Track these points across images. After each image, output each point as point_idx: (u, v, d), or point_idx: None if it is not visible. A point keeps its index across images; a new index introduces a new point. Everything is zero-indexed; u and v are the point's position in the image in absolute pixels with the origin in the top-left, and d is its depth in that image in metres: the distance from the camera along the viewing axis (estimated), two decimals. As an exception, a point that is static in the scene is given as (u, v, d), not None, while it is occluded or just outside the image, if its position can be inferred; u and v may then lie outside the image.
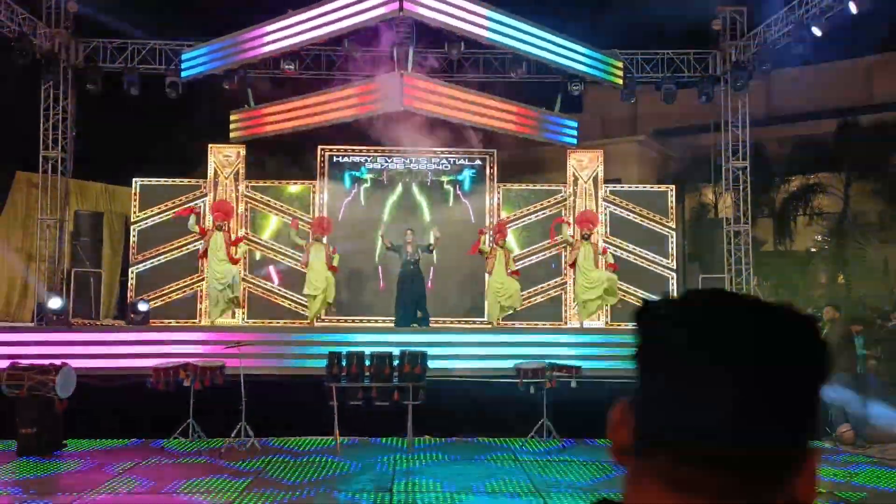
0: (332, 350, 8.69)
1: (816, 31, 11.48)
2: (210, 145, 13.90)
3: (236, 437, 8.46)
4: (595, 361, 9.78)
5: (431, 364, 8.93)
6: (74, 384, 8.42)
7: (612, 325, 13.80)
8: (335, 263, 11.86)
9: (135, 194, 13.93)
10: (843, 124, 18.15)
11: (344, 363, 8.51)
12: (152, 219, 13.87)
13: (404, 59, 11.37)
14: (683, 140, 17.50)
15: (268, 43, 11.96)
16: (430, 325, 11.23)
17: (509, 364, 9.50)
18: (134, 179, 13.88)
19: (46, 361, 8.52)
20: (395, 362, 8.54)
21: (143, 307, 10.88)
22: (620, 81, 13.29)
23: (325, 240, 11.93)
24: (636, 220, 14.09)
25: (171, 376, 8.24)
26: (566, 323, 13.91)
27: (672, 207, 14.22)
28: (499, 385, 9.22)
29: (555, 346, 10.12)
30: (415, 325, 11.24)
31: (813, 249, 19.58)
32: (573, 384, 8.55)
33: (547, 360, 8.96)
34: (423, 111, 11.11)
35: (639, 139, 17.81)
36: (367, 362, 8.52)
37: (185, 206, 12.68)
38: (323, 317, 12.70)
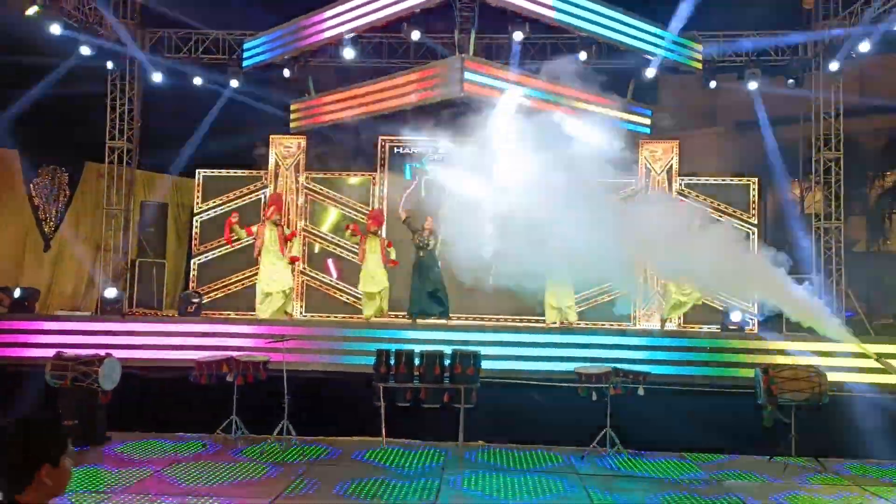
0: (381, 347, 8.06)
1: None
2: (271, 136, 13.55)
3: (279, 434, 7.96)
4: (663, 367, 8.83)
5: (485, 365, 8.19)
6: (119, 376, 8.09)
7: (683, 327, 12.74)
8: (392, 257, 11.26)
9: (198, 185, 13.73)
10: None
11: (392, 362, 7.88)
12: (215, 209, 13.65)
13: (466, 43, 10.64)
14: (764, 133, 16.10)
15: (327, 28, 11.46)
16: (485, 321, 10.44)
17: (570, 367, 8.67)
18: (197, 170, 13.68)
19: (94, 352, 8.22)
20: (447, 362, 7.85)
21: (194, 299, 10.52)
22: (699, 65, 12.19)
23: (382, 232, 11.35)
24: (714, 216, 12.95)
25: (214, 370, 7.78)
26: (633, 325, 12.93)
27: (754, 202, 13.02)
28: (558, 389, 8.41)
29: (620, 348, 9.20)
30: (433, 317, 10.56)
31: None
32: (640, 391, 7.64)
33: (611, 364, 8.08)
34: (484, 97, 10.34)
35: (718, 130, 16.52)
36: (417, 361, 7.86)
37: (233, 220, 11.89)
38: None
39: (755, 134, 15.24)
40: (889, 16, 10.99)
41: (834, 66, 11.80)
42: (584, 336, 9.34)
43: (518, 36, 10.76)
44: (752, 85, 12.38)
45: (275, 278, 10.74)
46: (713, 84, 12.63)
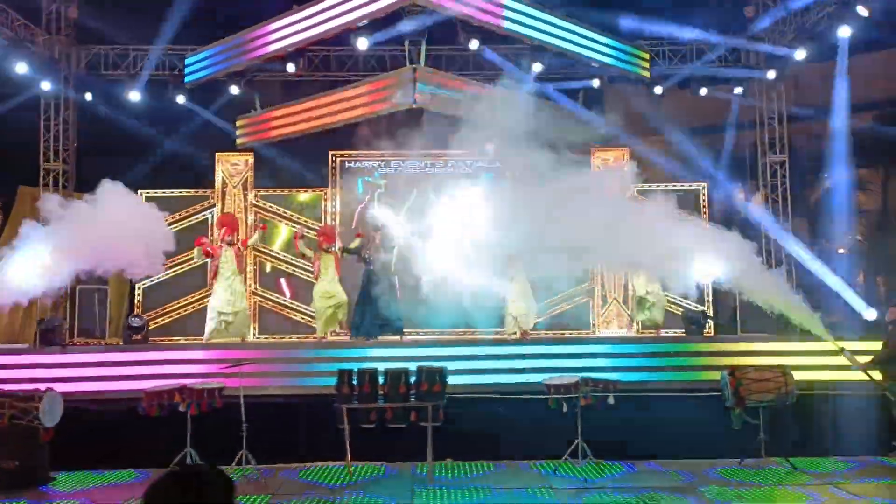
0: (343, 367, 7.70)
1: (863, 12, 10.38)
2: (217, 154, 13.09)
3: (238, 465, 7.51)
4: (630, 373, 8.71)
5: (451, 380, 7.90)
6: (61, 411, 7.51)
7: (643, 332, 12.73)
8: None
9: (140, 207, 13.11)
10: (879, 116, 16.91)
11: (355, 381, 7.52)
12: (159, 232, 13.04)
13: (416, 54, 10.44)
14: (711, 138, 16.38)
15: (273, 41, 11.12)
16: (446, 336, 10.16)
17: (536, 378, 8.47)
18: (139, 191, 13.06)
19: (33, 386, 7.63)
20: (412, 379, 7.54)
21: (136, 323, 9.95)
22: (647, 74, 12.27)
23: (335, 248, 11.00)
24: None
25: (165, 400, 7.28)
26: (594, 332, 12.87)
27: (704, 206, 13.14)
28: (526, 402, 8.19)
29: (587, 357, 9.06)
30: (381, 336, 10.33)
31: (841, 251, 18.29)
32: (610, 400, 7.47)
33: (580, 374, 7.90)
34: (437, 108, 10.15)
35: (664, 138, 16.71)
36: (381, 380, 7.52)
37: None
38: (337, 331, 11.78)
39: (702, 140, 15.52)
40: (821, 26, 11.25)
41: (772, 73, 12.02)
42: (547, 346, 9.18)
43: (474, 45, 10.61)
44: (703, 91, 12.53)
45: (232, 301, 10.31)
46: (658, 89, 12.71)
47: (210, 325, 10.47)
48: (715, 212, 14.19)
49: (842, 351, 7.74)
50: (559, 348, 9.49)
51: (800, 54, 11.38)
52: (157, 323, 12.85)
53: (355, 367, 7.87)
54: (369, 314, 10.51)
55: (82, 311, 12.61)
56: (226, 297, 10.37)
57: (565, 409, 7.35)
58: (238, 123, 12.49)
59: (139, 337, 9.89)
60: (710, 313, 11.44)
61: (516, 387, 8.51)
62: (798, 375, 7.71)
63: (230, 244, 10.75)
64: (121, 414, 8.00)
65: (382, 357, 8.57)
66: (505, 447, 8.15)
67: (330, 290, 10.74)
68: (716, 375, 8.46)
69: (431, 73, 10.13)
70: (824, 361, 8.40)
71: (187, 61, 12.14)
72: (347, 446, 7.57)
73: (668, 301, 12.70)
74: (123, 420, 7.92)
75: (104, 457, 8.03)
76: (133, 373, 8.46)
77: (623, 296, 12.97)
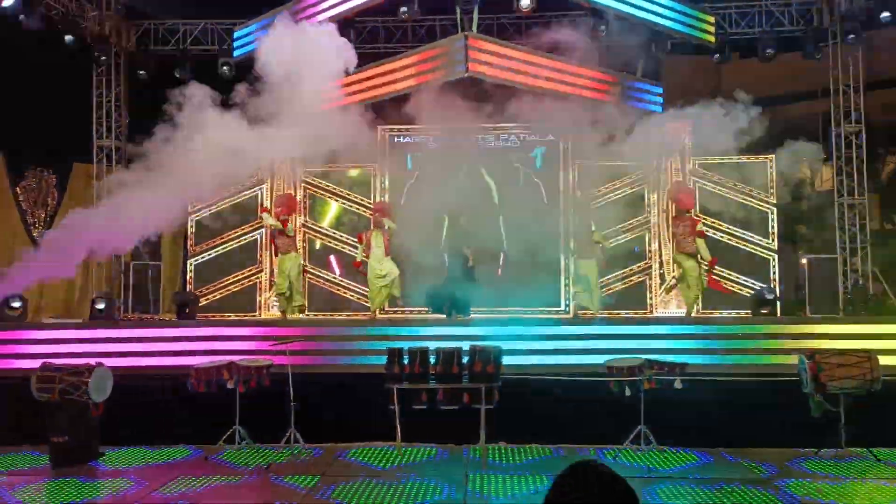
0: (393, 346, 7.35)
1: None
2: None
3: (286, 443, 7.27)
4: (694, 356, 8.13)
5: (506, 360, 7.48)
6: (111, 386, 7.37)
7: (704, 313, 12.07)
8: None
9: (190, 183, 12.99)
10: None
11: (406, 361, 7.16)
12: (208, 208, 12.91)
13: (468, 21, 9.91)
14: (779, 110, 15.42)
15: (320, 11, 10.71)
16: (503, 315, 9.73)
17: (596, 360, 7.99)
18: (189, 168, 12.94)
19: (83, 361, 7.50)
20: (465, 360, 7.14)
21: (189, 300, 9.78)
22: (712, 38, 11.49)
23: (387, 226, 10.65)
24: (730, 196, 12.28)
25: (214, 377, 7.07)
26: (651, 312, 12.27)
27: (772, 181, 12.33)
28: (586, 385, 7.72)
29: (648, 338, 8.50)
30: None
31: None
32: (677, 384, 6.94)
33: (644, 356, 7.39)
34: (490, 77, 9.63)
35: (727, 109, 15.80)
36: (433, 360, 7.15)
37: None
38: (386, 309, 11.49)
39: (767, 111, 14.61)
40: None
41: (852, 36, 11.12)
42: (610, 327, 8.64)
43: (525, 2, 10.01)
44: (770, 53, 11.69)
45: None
46: (717, 57, 11.90)
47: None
48: (782, 186, 13.38)
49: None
50: (618, 329, 8.94)
51: (883, 15, 10.45)
52: (208, 299, 12.75)
53: (406, 345, 7.52)
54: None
55: (136, 287, 12.63)
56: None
57: (628, 392, 6.85)
58: (286, 98, 12.17)
59: (187, 312, 9.69)
60: (778, 293, 10.72)
61: (574, 368, 8.04)
62: (883, 360, 7.03)
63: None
64: (170, 390, 7.83)
65: (435, 336, 8.19)
66: (562, 431, 7.72)
67: (379, 267, 10.45)
68: (790, 359, 7.87)
69: (485, 40, 9.59)
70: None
71: (236, 34, 11.86)
72: (398, 427, 7.24)
73: (723, 278, 12.01)
74: (173, 396, 7.75)
75: (154, 433, 7.89)
76: (183, 348, 8.27)
77: (680, 274, 12.29)
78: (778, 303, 10.72)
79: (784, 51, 11.83)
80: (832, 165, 12.32)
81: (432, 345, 7.53)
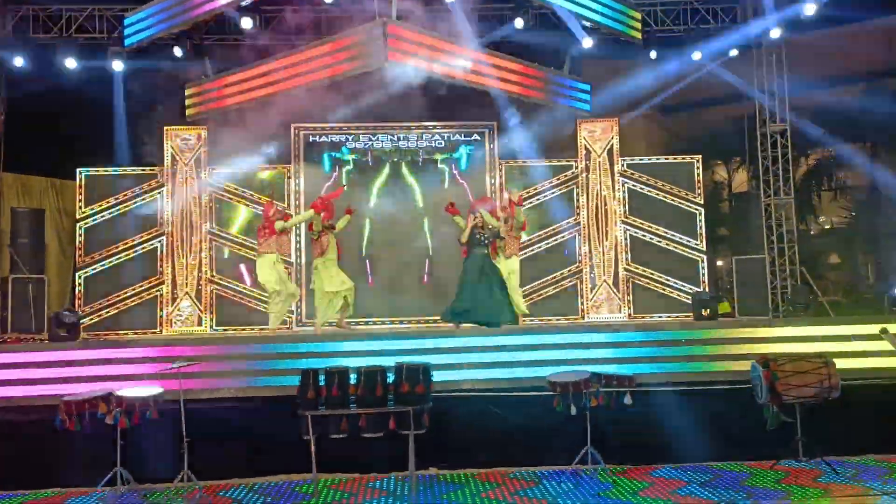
0: (307, 366, 6.27)
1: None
2: (166, 128, 11.48)
3: (181, 482, 6.07)
4: (635, 366, 7.41)
5: (437, 376, 6.53)
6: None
7: (636, 317, 11.54)
8: None
9: (80, 187, 11.49)
10: (867, 90, 15.86)
11: (322, 383, 6.11)
12: (101, 214, 11.44)
13: (387, 8, 8.95)
14: (697, 112, 15.18)
15: (220, -2, 9.51)
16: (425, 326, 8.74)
17: (533, 372, 7.17)
18: (78, 170, 11.43)
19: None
20: (390, 379, 6.15)
21: (68, 318, 8.36)
22: (639, 35, 10.98)
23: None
24: (659, 197, 11.81)
25: (87, 410, 5.78)
26: (583, 318, 11.64)
27: (699, 181, 11.95)
28: (525, 400, 6.89)
29: (584, 347, 7.72)
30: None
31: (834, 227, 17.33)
32: (627, 399, 6.16)
33: (586, 366, 6.60)
34: (414, 69, 8.72)
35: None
36: (353, 380, 6.13)
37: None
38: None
39: (690, 113, 14.34)
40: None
41: (776, 32, 10.82)
42: (549, 336, 7.84)
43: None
44: (697, 55, 11.27)
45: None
46: (654, 55, 11.42)
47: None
48: (706, 187, 13.09)
49: (883, 332, 6.58)
50: (552, 337, 8.10)
51: (809, 9, 10.14)
52: (101, 316, 11.28)
53: (323, 363, 6.48)
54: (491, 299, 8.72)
55: (15, 304, 10.97)
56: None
57: (573, 411, 6.02)
58: (187, 92, 10.87)
59: (66, 333, 8.26)
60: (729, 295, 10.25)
61: (512, 382, 7.19)
62: (838, 364, 6.48)
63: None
64: (39, 425, 6.47)
65: (354, 351, 7.15)
66: (501, 452, 6.84)
67: (339, 274, 9.11)
68: (733, 366, 7.29)
69: (405, 28, 8.67)
70: (861, 347, 7.20)
71: (126, 21, 10.49)
72: (314, 459, 6.17)
73: (661, 283, 11.55)
74: (43, 433, 6.40)
75: (19, 475, 6.53)
76: (56, 375, 6.89)
77: (613, 278, 11.74)
78: (727, 305, 10.23)
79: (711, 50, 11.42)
80: (756, 166, 12.01)
81: (353, 362, 6.51)
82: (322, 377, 6.15)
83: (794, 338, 7.43)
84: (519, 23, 10.23)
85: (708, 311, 8.44)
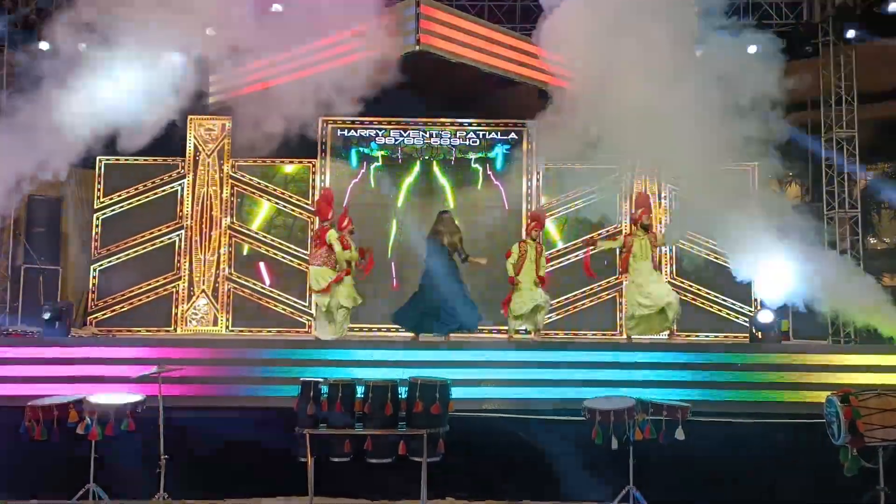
0: (307, 378, 5.38)
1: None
2: (189, 116, 10.79)
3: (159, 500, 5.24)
4: (680, 390, 6.38)
5: (455, 392, 5.58)
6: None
7: (679, 334, 10.43)
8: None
9: (99, 176, 10.87)
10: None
11: (325, 397, 5.22)
12: (119, 205, 10.81)
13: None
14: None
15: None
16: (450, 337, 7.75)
17: (568, 394, 6.20)
18: (98, 158, 10.81)
19: None
20: (402, 396, 5.24)
21: (56, 312, 7.62)
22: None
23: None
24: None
25: (55, 417, 4.98)
26: (622, 334, 10.57)
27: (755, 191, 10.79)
28: (555, 425, 5.92)
29: (630, 367, 6.71)
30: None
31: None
32: (679, 434, 5.12)
33: (632, 393, 5.58)
34: (444, 53, 7.84)
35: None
36: (359, 396, 5.23)
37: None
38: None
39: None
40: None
41: (851, 32, 9.66)
42: (585, 353, 6.83)
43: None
44: (751, 49, 10.15)
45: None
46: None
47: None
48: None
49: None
50: (588, 355, 7.08)
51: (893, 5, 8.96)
52: (114, 311, 10.62)
53: (326, 374, 5.60)
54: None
55: (28, 294, 10.39)
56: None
57: (615, 445, 5.01)
58: (211, 79, 10.21)
59: (57, 326, 7.51)
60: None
61: (539, 403, 6.23)
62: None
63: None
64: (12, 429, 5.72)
65: (364, 361, 6.25)
66: (526, 485, 5.87)
67: (354, 287, 8.17)
68: (798, 396, 6.22)
69: (439, 7, 7.81)
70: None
71: None
72: (310, 484, 5.28)
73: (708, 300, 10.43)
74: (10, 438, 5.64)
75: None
76: (36, 373, 6.13)
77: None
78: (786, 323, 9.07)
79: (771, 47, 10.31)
80: (817, 177, 10.81)
81: (361, 373, 5.63)
82: (325, 390, 5.26)
83: (873, 367, 6.29)
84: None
85: (768, 333, 7.33)
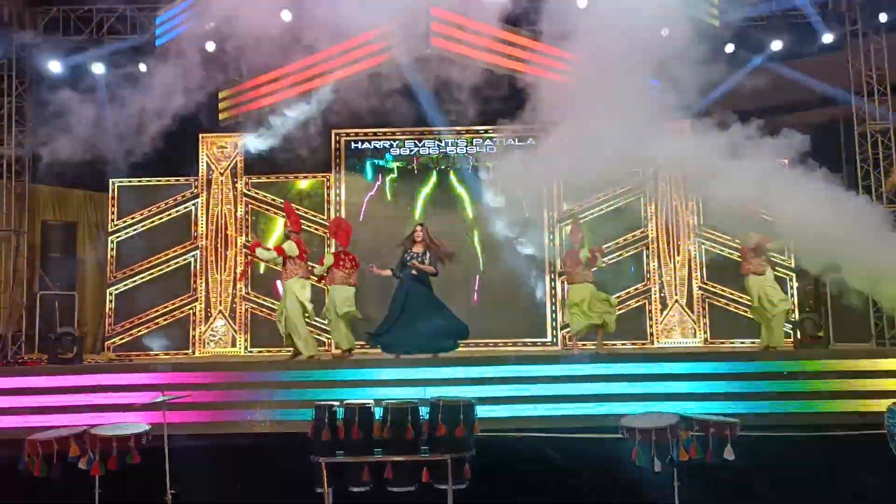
0: (322, 401, 4.98)
1: None
2: (201, 135, 10.55)
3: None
4: (727, 403, 5.89)
5: (480, 411, 5.14)
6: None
7: (712, 342, 9.90)
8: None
9: (112, 198, 10.65)
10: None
11: (340, 422, 4.82)
12: (134, 227, 10.56)
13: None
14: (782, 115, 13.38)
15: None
16: (476, 349, 7.34)
17: (599, 409, 5.74)
18: (111, 180, 10.59)
19: None
20: (423, 418, 4.82)
21: (65, 339, 7.31)
22: (716, 22, 9.47)
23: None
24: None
25: (55, 450, 4.63)
26: (651, 343, 10.08)
27: (786, 189, 10.25)
28: (589, 444, 5.45)
29: (667, 379, 6.24)
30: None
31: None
32: (728, 454, 4.62)
33: (671, 408, 5.10)
34: (456, 55, 7.49)
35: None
36: (378, 419, 4.82)
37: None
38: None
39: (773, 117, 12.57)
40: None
41: (883, 16, 9.14)
42: (620, 365, 6.36)
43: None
44: (776, 45, 9.71)
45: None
46: (730, 47, 9.88)
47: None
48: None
49: None
50: (622, 367, 6.63)
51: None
52: (132, 335, 10.35)
53: (342, 395, 5.19)
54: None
55: (45, 322, 10.13)
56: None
57: (658, 468, 4.53)
58: (221, 95, 9.95)
59: (70, 355, 7.21)
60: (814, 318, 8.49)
61: (568, 420, 5.76)
62: None
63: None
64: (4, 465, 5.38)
65: (381, 381, 5.84)
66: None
67: (352, 296, 8.17)
68: (850, 405, 5.70)
69: (450, 11, 7.46)
70: None
71: (158, 20, 9.63)
72: (328, 513, 4.87)
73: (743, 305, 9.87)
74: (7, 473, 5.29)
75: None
76: (39, 403, 5.81)
77: (686, 298, 10.16)
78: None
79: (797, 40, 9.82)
80: (852, 171, 10.22)
81: (379, 394, 5.21)
82: (340, 413, 4.85)
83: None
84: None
85: (815, 337, 6.79)
